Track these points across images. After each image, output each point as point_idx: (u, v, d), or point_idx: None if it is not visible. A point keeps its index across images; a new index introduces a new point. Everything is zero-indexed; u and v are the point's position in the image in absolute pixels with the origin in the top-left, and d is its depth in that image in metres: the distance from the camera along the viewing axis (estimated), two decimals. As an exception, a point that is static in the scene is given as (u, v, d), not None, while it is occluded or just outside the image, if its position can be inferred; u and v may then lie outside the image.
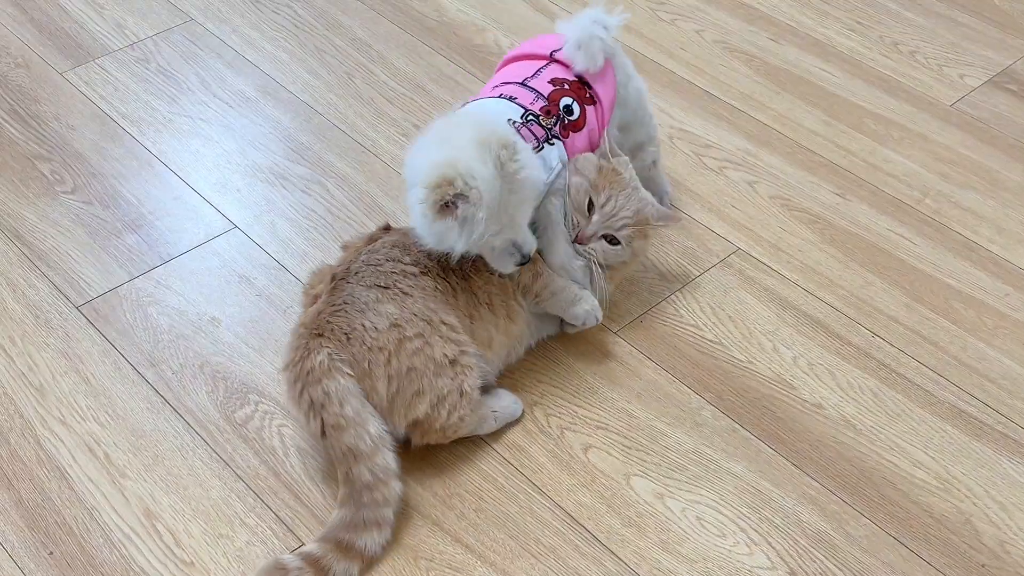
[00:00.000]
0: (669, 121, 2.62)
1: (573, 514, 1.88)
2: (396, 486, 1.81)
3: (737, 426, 2.02)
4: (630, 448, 1.98)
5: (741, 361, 2.13)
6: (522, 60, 2.18)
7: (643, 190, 2.12)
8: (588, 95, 2.12)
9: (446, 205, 1.81)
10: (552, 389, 2.07)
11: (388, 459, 1.81)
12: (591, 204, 2.04)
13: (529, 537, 1.86)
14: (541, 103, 2.05)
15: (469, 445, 1.97)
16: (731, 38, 2.87)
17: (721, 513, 1.90)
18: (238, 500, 1.89)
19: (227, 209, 2.38)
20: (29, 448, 1.95)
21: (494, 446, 1.97)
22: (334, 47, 2.81)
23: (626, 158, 2.13)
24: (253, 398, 2.02)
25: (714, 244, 2.34)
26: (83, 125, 2.56)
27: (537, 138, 2.01)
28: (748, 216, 2.40)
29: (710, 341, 2.16)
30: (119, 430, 1.98)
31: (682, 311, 2.21)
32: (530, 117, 2.02)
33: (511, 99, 2.05)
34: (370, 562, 1.79)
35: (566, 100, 2.08)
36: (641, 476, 1.94)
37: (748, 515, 1.90)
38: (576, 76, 2.12)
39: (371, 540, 1.79)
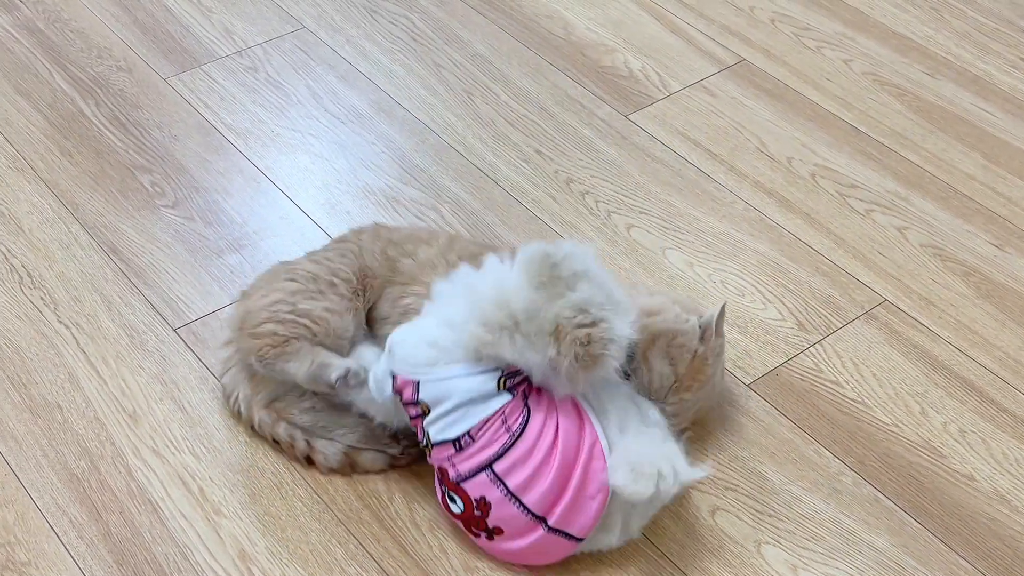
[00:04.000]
0: (812, 158, 2.59)
1: (698, 582, 1.87)
2: None
3: (880, 495, 1.99)
4: (762, 513, 1.96)
5: (886, 424, 2.10)
6: None
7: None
8: (481, 523, 1.83)
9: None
10: (678, 444, 2.05)
11: None
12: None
13: (649, 604, 1.84)
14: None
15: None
16: (882, 70, 2.84)
17: (860, 590, 1.87)
18: (339, 546, 1.89)
19: (335, 231, 2.39)
20: (120, 478, 1.97)
21: (614, 503, 1.96)
22: (453, 63, 2.82)
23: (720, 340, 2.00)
24: (358, 437, 2.03)
25: (858, 294, 2.31)
26: (186, 135, 2.60)
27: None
28: (896, 265, 2.37)
29: (852, 400, 2.13)
30: (215, 464, 2.00)
31: (822, 365, 2.18)
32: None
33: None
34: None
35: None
36: (773, 544, 1.92)
37: (890, 594, 1.87)
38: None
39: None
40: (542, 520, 1.78)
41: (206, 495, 1.95)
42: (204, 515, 1.93)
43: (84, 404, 2.08)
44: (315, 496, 1.95)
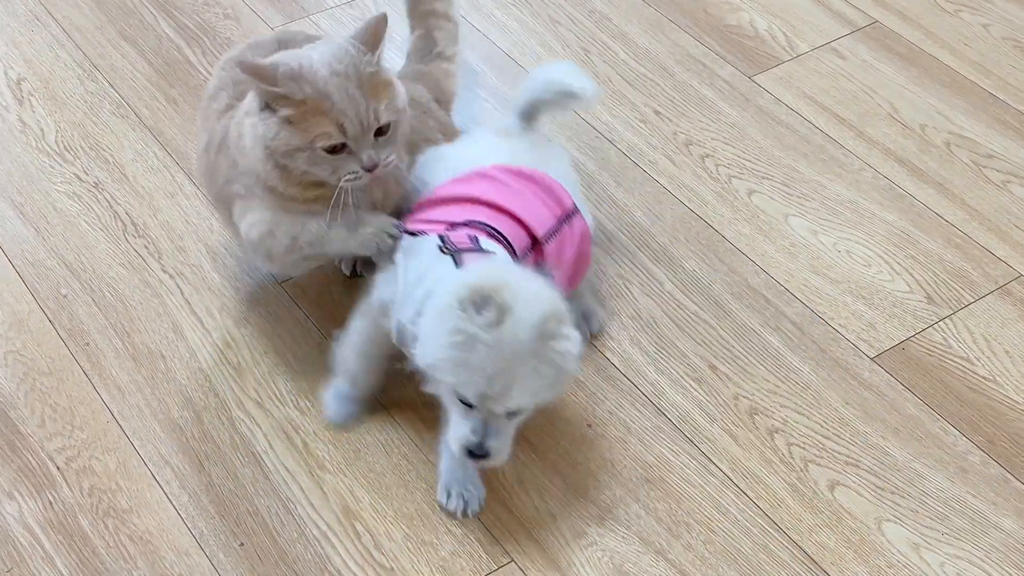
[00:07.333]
0: (947, 126, 2.61)
1: (815, 557, 1.90)
2: None
3: (1010, 476, 2.01)
4: (883, 490, 1.99)
5: (1018, 403, 2.12)
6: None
7: None
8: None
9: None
10: (796, 416, 2.09)
11: None
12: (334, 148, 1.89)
13: (763, 578, 1.89)
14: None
15: (698, 469, 2.00)
16: (1023, 35, 2.84)
17: (986, 573, 1.89)
18: (444, 506, 1.96)
19: (445, 188, 2.45)
20: (223, 430, 2.05)
21: (728, 473, 2.00)
22: (570, 18, 2.87)
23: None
24: (466, 396, 2.09)
25: (993, 268, 2.33)
26: (294, 86, 2.67)
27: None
28: (1034, 239, 2.39)
29: (982, 378, 2.15)
30: (320, 418, 2.07)
31: (951, 341, 2.21)
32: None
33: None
34: None
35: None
36: (895, 522, 1.95)
37: (1017, 578, 1.90)
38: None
39: None
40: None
41: (310, 450, 2.02)
42: (308, 469, 2.00)
43: (188, 355, 2.16)
44: (420, 455, 2.01)
